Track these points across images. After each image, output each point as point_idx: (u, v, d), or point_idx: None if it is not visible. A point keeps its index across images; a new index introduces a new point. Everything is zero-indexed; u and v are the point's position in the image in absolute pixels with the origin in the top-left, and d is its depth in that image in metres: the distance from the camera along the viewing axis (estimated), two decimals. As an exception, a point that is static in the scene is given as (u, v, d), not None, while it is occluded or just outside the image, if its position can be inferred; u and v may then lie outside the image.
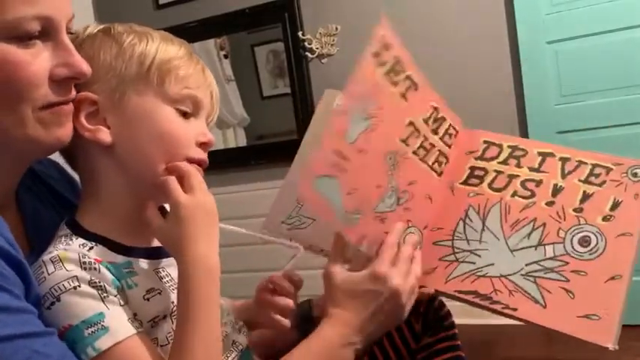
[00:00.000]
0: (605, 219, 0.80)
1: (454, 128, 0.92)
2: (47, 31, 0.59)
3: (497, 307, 0.78)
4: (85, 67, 0.61)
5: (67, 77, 0.61)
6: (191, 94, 0.68)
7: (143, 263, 0.66)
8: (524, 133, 2.11)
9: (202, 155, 0.69)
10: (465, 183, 0.89)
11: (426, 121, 0.88)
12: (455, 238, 0.84)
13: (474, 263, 0.81)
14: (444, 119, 0.90)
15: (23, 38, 0.57)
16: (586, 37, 2.00)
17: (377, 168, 0.81)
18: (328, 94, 0.92)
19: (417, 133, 0.86)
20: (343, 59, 2.36)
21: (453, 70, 2.20)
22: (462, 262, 0.82)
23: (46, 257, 0.60)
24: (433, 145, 0.88)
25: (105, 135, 0.65)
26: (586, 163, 0.86)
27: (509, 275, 0.79)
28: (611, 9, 1.96)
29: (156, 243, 0.70)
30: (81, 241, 0.63)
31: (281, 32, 2.42)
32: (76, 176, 0.76)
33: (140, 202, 0.68)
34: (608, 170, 0.85)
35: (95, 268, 0.60)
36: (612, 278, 0.75)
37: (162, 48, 0.67)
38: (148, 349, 0.59)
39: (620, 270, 0.76)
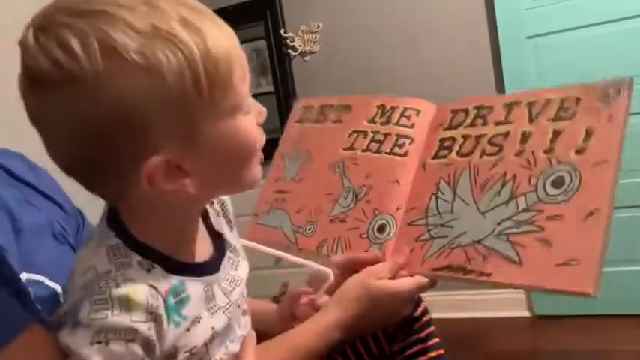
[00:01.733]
0: (578, 152, 0.74)
1: (412, 109, 0.91)
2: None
3: (472, 276, 0.75)
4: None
5: None
6: (249, 83, 0.57)
7: (196, 282, 0.60)
8: (506, 128, 2.12)
9: (263, 137, 0.62)
10: (435, 157, 0.86)
11: (372, 121, 0.93)
12: (428, 215, 0.82)
13: (446, 237, 0.79)
14: (394, 107, 0.91)
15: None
16: (566, 31, 2.02)
17: (323, 182, 0.90)
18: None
19: (363, 135, 0.92)
20: (326, 57, 2.36)
21: (432, 65, 2.21)
22: (436, 237, 0.80)
23: (114, 292, 0.53)
24: (388, 134, 0.90)
25: (189, 186, 0.55)
26: (554, 100, 0.80)
27: (481, 240, 0.76)
28: (590, 3, 1.97)
29: (200, 258, 0.64)
30: (138, 258, 0.56)
31: (263, 30, 2.42)
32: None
33: (200, 212, 0.65)
34: (578, 100, 0.78)
35: (158, 320, 0.55)
36: (590, 214, 0.69)
37: (204, 50, 0.50)
38: None
39: (597, 203, 0.69)
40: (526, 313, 2.14)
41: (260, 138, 0.60)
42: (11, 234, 0.66)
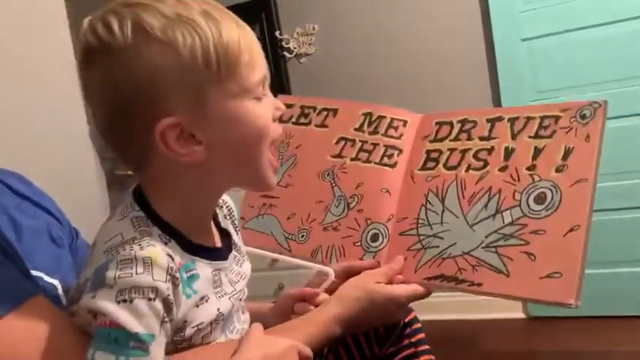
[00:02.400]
0: (558, 170, 0.78)
1: (399, 120, 0.93)
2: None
3: (464, 285, 0.79)
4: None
5: None
6: (261, 75, 0.64)
7: (206, 265, 0.66)
8: (501, 130, 2.13)
9: (280, 129, 0.68)
10: (422, 168, 0.89)
11: (359, 129, 0.94)
12: (419, 225, 0.85)
13: (437, 247, 0.82)
14: (382, 117, 0.93)
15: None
16: (560, 33, 2.02)
17: (313, 189, 0.91)
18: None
19: (351, 143, 0.93)
20: (321, 59, 2.37)
21: (428, 68, 2.22)
22: (427, 248, 0.83)
23: (139, 253, 0.57)
24: (377, 144, 0.92)
25: (200, 154, 0.61)
26: (535, 118, 0.83)
27: (471, 251, 0.79)
28: (584, 6, 1.98)
29: (213, 244, 0.70)
30: (158, 231, 0.62)
31: (258, 32, 2.42)
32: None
33: (217, 201, 0.72)
34: (557, 119, 0.82)
35: (175, 283, 0.59)
36: (571, 230, 0.74)
37: (217, 35, 0.59)
38: None
39: (578, 219, 0.74)
40: (521, 315, 2.15)
41: (274, 127, 0.66)
42: (13, 234, 0.70)
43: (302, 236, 0.90)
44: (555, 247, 0.74)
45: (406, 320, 0.87)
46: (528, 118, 0.84)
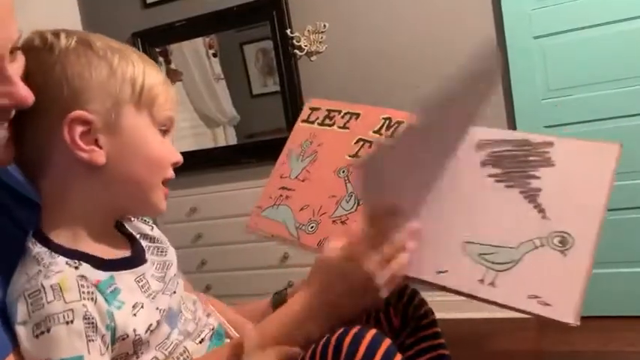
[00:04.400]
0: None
1: None
2: None
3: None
4: (29, 97, 0.61)
5: (9, 106, 0.60)
6: (171, 116, 0.72)
7: (125, 275, 0.68)
8: (512, 128, 2.12)
9: (173, 174, 0.73)
10: None
11: (377, 132, 0.97)
12: None
13: None
14: (400, 122, 0.95)
15: None
16: (572, 31, 2.01)
17: (327, 184, 0.94)
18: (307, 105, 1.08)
19: (369, 144, 0.96)
20: (332, 56, 2.37)
21: (440, 65, 2.21)
22: None
23: (45, 282, 0.59)
24: None
25: (100, 156, 0.66)
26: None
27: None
28: (596, 3, 1.97)
29: (124, 254, 0.72)
30: (64, 259, 0.63)
31: (269, 30, 2.42)
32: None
33: (116, 216, 0.74)
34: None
35: (92, 298, 0.61)
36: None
37: (147, 72, 0.70)
38: None
39: None
40: (531, 314, 2.14)
41: (171, 155, 0.73)
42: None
43: (311, 227, 0.92)
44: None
45: (422, 312, 0.87)
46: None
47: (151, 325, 0.66)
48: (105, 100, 0.66)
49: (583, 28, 1.99)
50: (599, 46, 1.97)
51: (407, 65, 2.26)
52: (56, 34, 0.67)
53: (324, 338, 0.66)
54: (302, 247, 0.91)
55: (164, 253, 0.79)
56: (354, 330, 0.64)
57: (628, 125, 1.97)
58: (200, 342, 0.74)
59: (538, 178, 0.80)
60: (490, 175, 0.83)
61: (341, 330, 0.65)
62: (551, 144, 0.82)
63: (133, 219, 0.80)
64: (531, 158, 0.82)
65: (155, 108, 0.70)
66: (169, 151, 0.72)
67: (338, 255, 0.73)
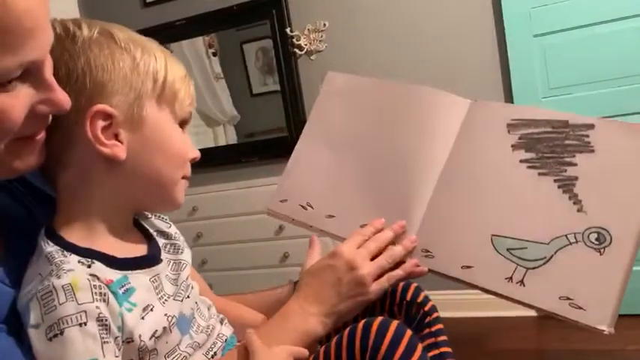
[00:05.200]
0: None
1: None
2: (28, 72, 0.55)
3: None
4: (67, 102, 0.58)
5: (48, 112, 0.58)
6: (190, 111, 0.72)
7: (141, 275, 0.66)
8: (512, 127, 2.12)
9: (190, 170, 0.73)
10: None
11: None
12: None
13: None
14: None
15: (3, 84, 0.53)
16: (572, 29, 2.01)
17: None
18: (329, 76, 1.02)
19: None
20: (332, 55, 2.37)
21: (440, 64, 2.21)
22: None
23: (57, 282, 0.58)
24: None
25: (121, 151, 0.64)
26: None
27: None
28: (597, 1, 1.96)
29: (140, 252, 0.70)
30: (76, 258, 0.62)
31: (269, 29, 2.42)
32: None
33: (134, 212, 0.72)
34: None
35: (104, 300, 0.59)
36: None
37: (169, 66, 0.68)
38: None
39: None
40: (532, 313, 2.14)
41: (190, 150, 0.72)
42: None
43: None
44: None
45: (426, 309, 0.86)
46: None
47: (156, 331, 0.64)
48: (127, 94, 0.64)
49: (583, 26, 1.99)
50: (600, 44, 1.97)
51: (406, 64, 2.25)
52: (77, 23, 0.65)
53: (349, 327, 0.68)
54: (323, 233, 0.87)
55: (179, 251, 0.76)
56: (380, 319, 0.67)
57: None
58: (212, 357, 0.72)
59: (575, 165, 0.71)
60: (522, 161, 0.74)
61: (365, 320, 0.67)
62: (591, 126, 0.72)
63: (150, 215, 0.78)
64: (568, 142, 0.73)
65: (176, 103, 0.69)
66: (189, 147, 0.71)
67: (325, 255, 0.78)
